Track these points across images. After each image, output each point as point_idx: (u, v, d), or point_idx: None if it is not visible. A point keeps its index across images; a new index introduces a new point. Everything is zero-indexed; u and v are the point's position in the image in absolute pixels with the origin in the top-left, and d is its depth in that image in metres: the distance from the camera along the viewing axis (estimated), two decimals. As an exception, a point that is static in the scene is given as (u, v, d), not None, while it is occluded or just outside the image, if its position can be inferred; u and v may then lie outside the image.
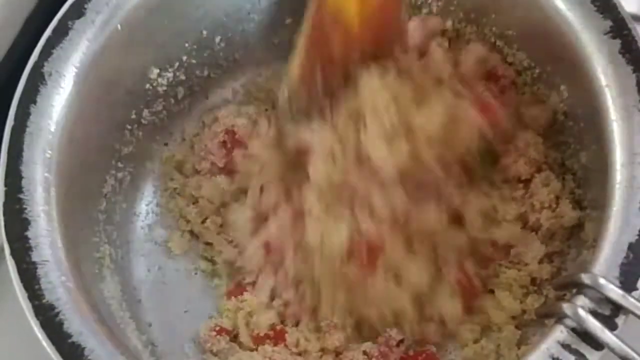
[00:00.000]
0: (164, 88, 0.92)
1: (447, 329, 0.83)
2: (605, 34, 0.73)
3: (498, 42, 0.89)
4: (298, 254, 0.84)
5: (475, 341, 0.82)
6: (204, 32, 0.92)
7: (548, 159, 0.86)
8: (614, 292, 0.63)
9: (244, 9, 0.93)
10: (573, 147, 0.83)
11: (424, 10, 0.92)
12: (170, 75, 0.91)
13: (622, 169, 0.70)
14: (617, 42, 0.73)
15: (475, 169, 0.85)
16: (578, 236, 0.80)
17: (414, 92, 0.83)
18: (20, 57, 0.79)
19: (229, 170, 0.92)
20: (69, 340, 0.67)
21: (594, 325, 0.63)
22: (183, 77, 0.93)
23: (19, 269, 0.70)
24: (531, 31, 0.83)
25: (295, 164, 0.85)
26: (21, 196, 0.73)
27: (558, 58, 0.80)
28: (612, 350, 0.62)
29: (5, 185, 0.73)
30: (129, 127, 0.90)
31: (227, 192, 0.92)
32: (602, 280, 0.64)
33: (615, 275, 0.65)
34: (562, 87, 0.82)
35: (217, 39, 0.94)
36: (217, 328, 0.84)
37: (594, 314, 0.64)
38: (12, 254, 0.70)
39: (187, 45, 0.91)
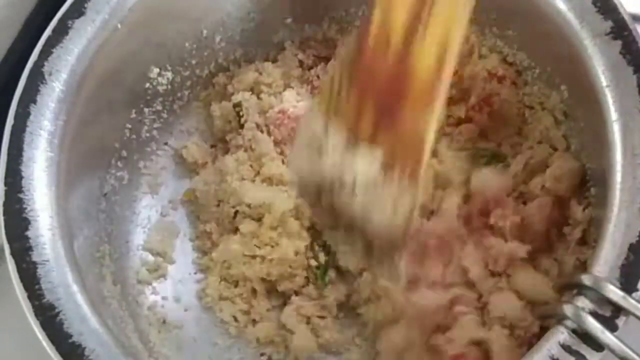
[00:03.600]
0: (164, 87, 0.92)
1: None
2: (606, 34, 0.73)
3: (498, 42, 0.89)
4: None
5: None
6: (204, 32, 0.92)
7: None
8: (615, 293, 0.63)
9: (244, 8, 0.93)
10: (574, 147, 0.83)
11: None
12: (170, 74, 0.91)
13: (622, 169, 0.70)
14: (618, 43, 0.73)
15: None
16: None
17: None
18: (20, 57, 0.79)
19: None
20: (69, 341, 0.67)
21: (595, 327, 0.63)
22: (183, 76, 0.94)
23: (19, 268, 0.70)
24: (532, 31, 0.83)
25: None
26: (21, 196, 0.73)
27: (558, 58, 0.80)
28: (612, 351, 0.62)
29: (6, 185, 0.73)
30: (129, 126, 0.90)
31: None
32: (602, 282, 0.64)
33: (616, 276, 0.65)
34: (563, 87, 0.83)
35: (218, 39, 0.94)
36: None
37: (595, 315, 0.63)
38: (12, 253, 0.70)
39: (187, 44, 0.91)
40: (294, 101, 0.92)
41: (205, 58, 0.94)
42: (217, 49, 0.94)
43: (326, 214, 0.70)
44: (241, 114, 0.92)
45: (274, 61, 0.96)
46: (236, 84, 0.94)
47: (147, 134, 0.93)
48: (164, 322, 0.87)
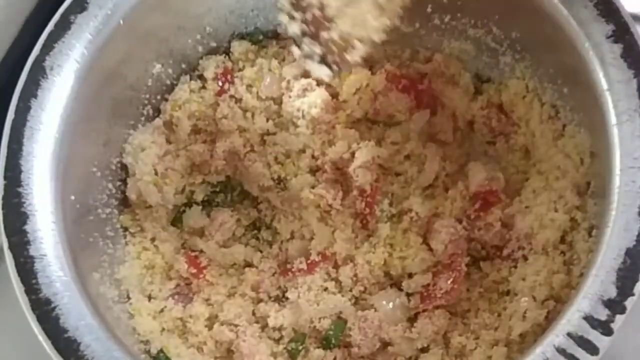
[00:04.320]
0: (167, 83, 0.92)
1: None
2: (608, 37, 0.73)
3: (503, 44, 0.89)
4: None
5: None
6: (207, 28, 0.92)
7: None
8: None
9: (247, 5, 0.93)
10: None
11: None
12: (172, 70, 0.92)
13: (621, 173, 0.70)
14: (619, 46, 0.73)
15: None
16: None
17: None
18: (20, 57, 0.79)
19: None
20: (65, 335, 0.68)
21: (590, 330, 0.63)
22: (186, 73, 0.94)
23: (17, 262, 0.70)
24: (535, 34, 0.83)
25: None
26: (20, 190, 0.73)
27: (560, 61, 0.80)
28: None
29: (5, 179, 0.73)
30: (132, 122, 0.90)
31: None
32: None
33: (612, 281, 0.65)
34: (565, 90, 0.82)
35: (220, 35, 0.94)
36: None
37: (590, 319, 0.63)
38: (10, 247, 0.71)
39: (189, 40, 0.92)
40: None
41: (208, 54, 0.94)
42: (219, 45, 0.95)
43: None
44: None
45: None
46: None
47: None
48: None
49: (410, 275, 0.87)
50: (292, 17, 0.76)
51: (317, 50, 0.76)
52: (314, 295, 0.86)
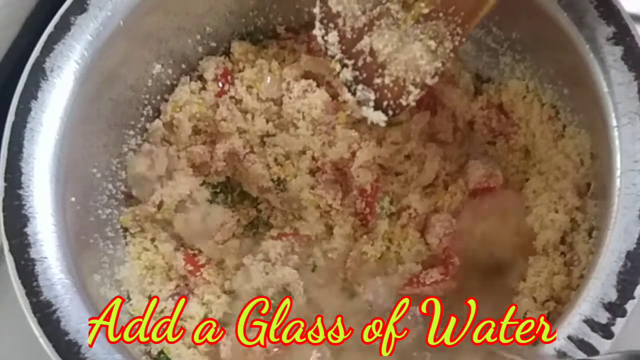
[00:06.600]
0: (167, 83, 0.92)
1: None
2: (608, 40, 0.73)
3: (504, 45, 0.89)
4: None
5: None
6: (207, 28, 0.92)
7: None
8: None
9: (247, 5, 0.93)
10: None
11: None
12: (172, 71, 0.91)
13: (622, 176, 0.70)
14: (620, 49, 0.72)
15: None
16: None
17: None
18: (20, 58, 0.79)
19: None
20: (66, 338, 0.68)
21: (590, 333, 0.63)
22: (186, 73, 0.94)
23: (18, 265, 0.70)
24: (535, 35, 0.83)
25: None
26: (21, 192, 0.73)
27: (561, 62, 0.80)
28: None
29: (5, 181, 0.73)
30: (132, 122, 0.89)
31: None
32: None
33: (613, 284, 0.65)
34: (565, 91, 0.82)
35: (221, 35, 0.93)
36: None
37: (591, 322, 0.64)
38: (11, 250, 0.71)
39: (189, 41, 0.91)
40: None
41: (209, 54, 0.94)
42: (219, 45, 0.94)
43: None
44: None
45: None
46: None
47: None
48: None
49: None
50: (344, 65, 0.75)
51: (371, 96, 0.74)
52: (263, 266, 0.88)
